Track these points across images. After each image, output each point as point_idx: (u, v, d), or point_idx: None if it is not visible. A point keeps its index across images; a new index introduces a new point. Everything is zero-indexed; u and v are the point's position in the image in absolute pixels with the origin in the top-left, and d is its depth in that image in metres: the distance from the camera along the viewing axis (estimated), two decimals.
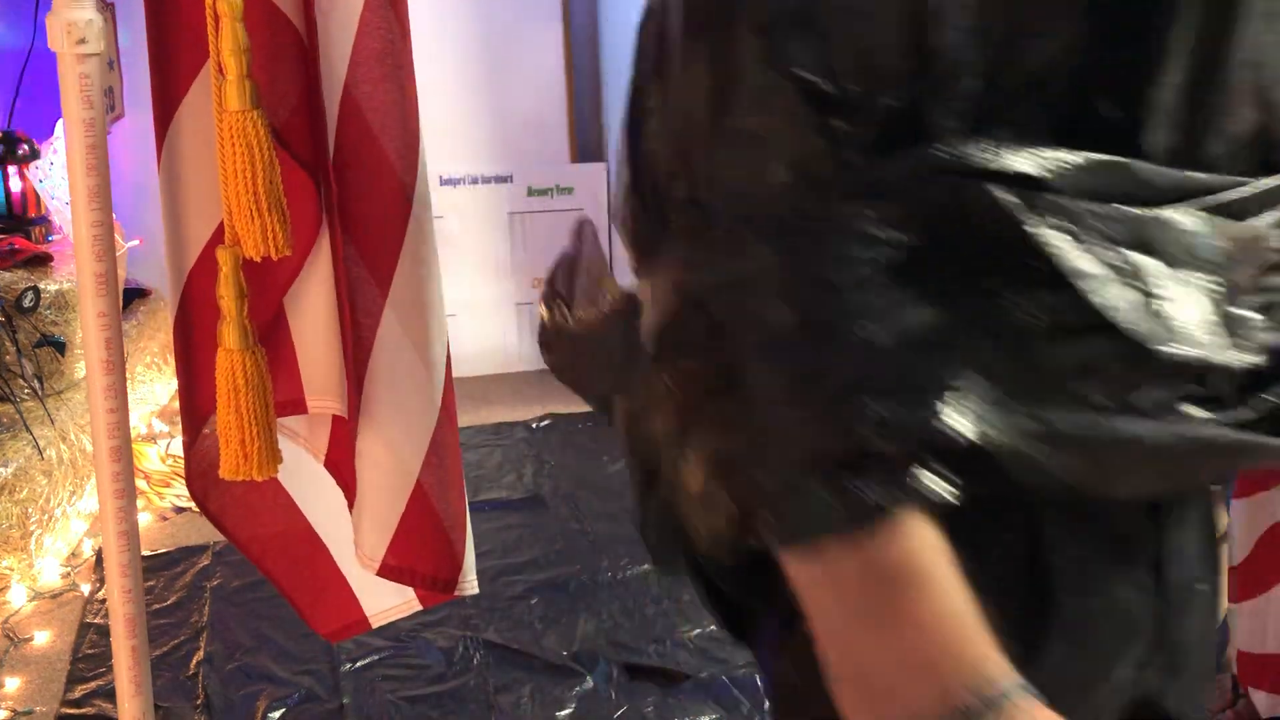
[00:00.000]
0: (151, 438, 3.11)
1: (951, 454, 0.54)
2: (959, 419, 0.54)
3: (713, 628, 2.25)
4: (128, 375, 1.33)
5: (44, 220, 2.93)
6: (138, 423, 3.11)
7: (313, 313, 1.35)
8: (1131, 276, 0.56)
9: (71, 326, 2.70)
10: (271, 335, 1.32)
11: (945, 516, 0.56)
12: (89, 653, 2.26)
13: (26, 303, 2.64)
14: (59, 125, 2.80)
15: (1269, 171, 0.61)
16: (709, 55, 0.60)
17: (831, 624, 0.58)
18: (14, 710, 2.11)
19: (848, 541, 0.56)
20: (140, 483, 2.84)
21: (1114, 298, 0.56)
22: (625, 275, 0.78)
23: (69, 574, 2.52)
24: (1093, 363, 0.57)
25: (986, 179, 0.56)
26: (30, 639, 2.31)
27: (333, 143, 1.27)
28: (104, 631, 2.27)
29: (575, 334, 0.86)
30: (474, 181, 3.62)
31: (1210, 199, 0.59)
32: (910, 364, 0.55)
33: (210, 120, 1.20)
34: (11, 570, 2.45)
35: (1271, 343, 0.60)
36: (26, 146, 2.89)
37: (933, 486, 0.54)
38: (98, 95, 1.20)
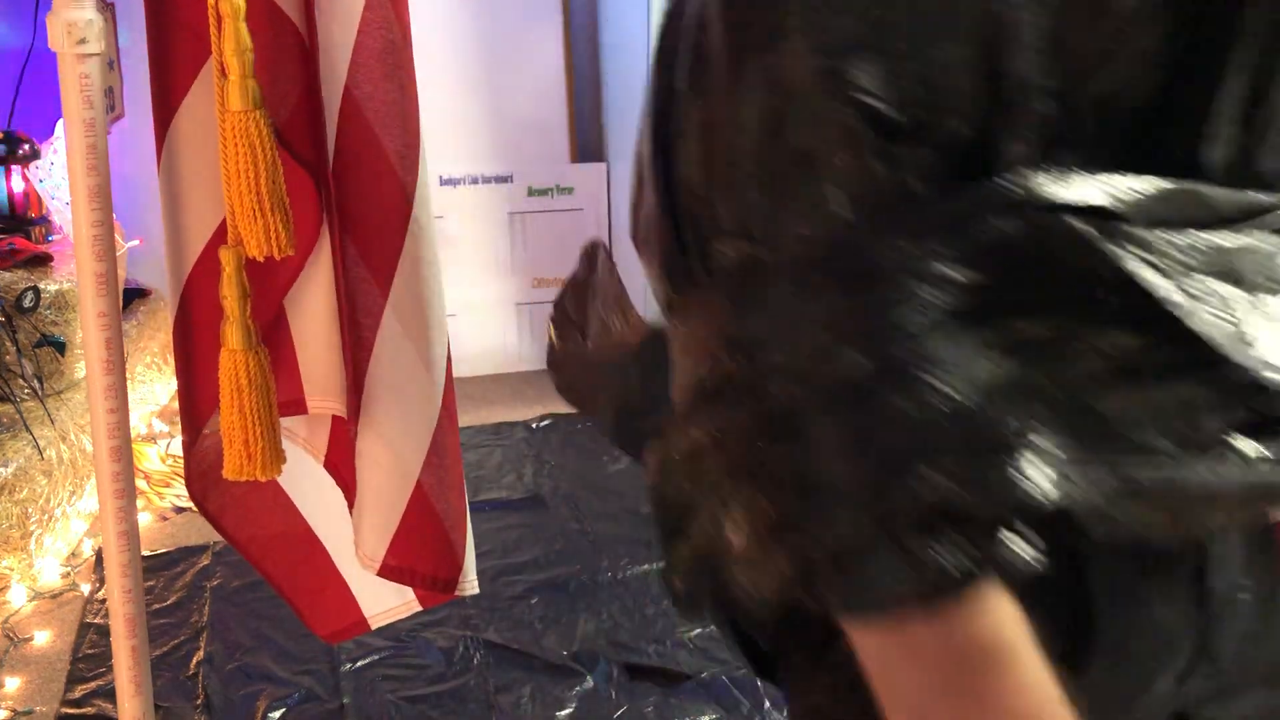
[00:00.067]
0: (151, 438, 3.11)
1: (1033, 515, 0.51)
2: (1042, 478, 0.51)
3: (713, 628, 2.25)
4: (128, 375, 1.33)
5: (44, 220, 2.93)
6: (138, 423, 3.11)
7: (313, 313, 1.35)
8: (1219, 306, 0.53)
9: (71, 326, 2.70)
10: (271, 336, 1.32)
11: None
12: (89, 653, 2.26)
13: (26, 303, 2.64)
14: (59, 125, 2.80)
15: None
16: (760, 77, 0.56)
17: (906, 698, 0.54)
18: (14, 710, 2.11)
19: (927, 612, 0.52)
20: (140, 483, 2.84)
21: (1208, 329, 0.52)
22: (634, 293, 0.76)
23: (69, 574, 2.52)
24: (1167, 405, 0.53)
25: (1062, 211, 0.52)
26: (30, 639, 2.31)
27: (333, 143, 1.27)
28: (104, 631, 2.27)
29: (588, 360, 0.82)
30: (474, 181, 3.62)
31: (1270, 218, 0.56)
32: (988, 417, 0.51)
33: (210, 120, 1.20)
34: (11, 570, 2.45)
35: None
36: (27, 146, 2.89)
37: (1019, 552, 0.51)
38: (98, 95, 1.20)
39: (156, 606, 2.41)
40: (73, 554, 2.59)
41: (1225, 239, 0.54)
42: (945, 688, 0.53)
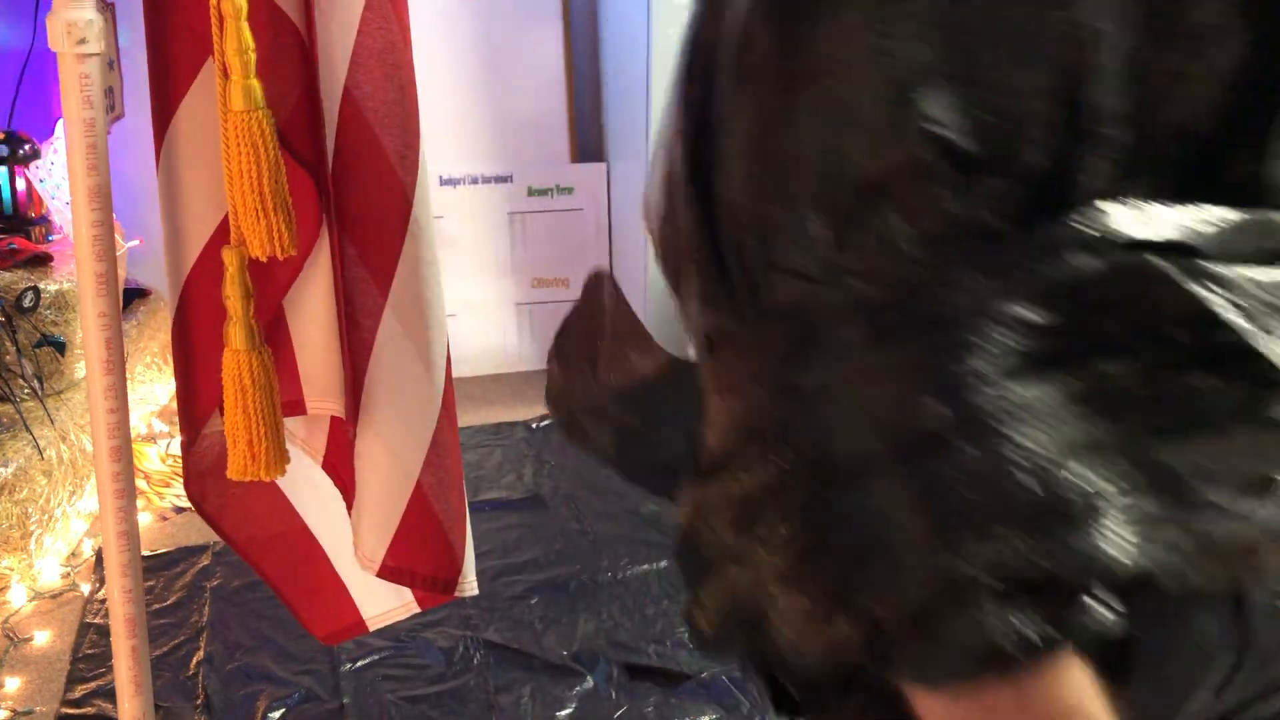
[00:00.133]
0: (151, 438, 3.11)
1: (1114, 581, 0.48)
2: (1123, 543, 0.48)
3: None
4: (128, 375, 1.33)
5: (44, 220, 2.93)
6: (138, 423, 3.11)
7: (312, 313, 1.35)
8: None
9: (71, 326, 2.70)
10: (271, 336, 1.32)
11: None
12: (89, 653, 2.26)
13: (26, 303, 2.64)
14: (59, 125, 2.80)
15: None
16: (820, 102, 0.52)
17: None
18: (14, 710, 2.11)
19: (1004, 681, 0.49)
20: (140, 483, 2.84)
21: None
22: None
23: (69, 574, 2.52)
24: (1238, 451, 0.51)
25: (1142, 249, 0.50)
26: (30, 639, 2.31)
27: (332, 143, 1.27)
28: (104, 631, 2.27)
29: (596, 394, 0.79)
30: (474, 181, 3.62)
31: None
32: (1070, 478, 0.48)
33: (209, 120, 1.20)
34: (11, 570, 2.45)
35: None
36: (27, 146, 2.89)
37: (1100, 619, 0.48)
38: (98, 95, 1.20)
39: (156, 606, 2.41)
40: (73, 554, 2.59)
41: None
42: None
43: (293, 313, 1.35)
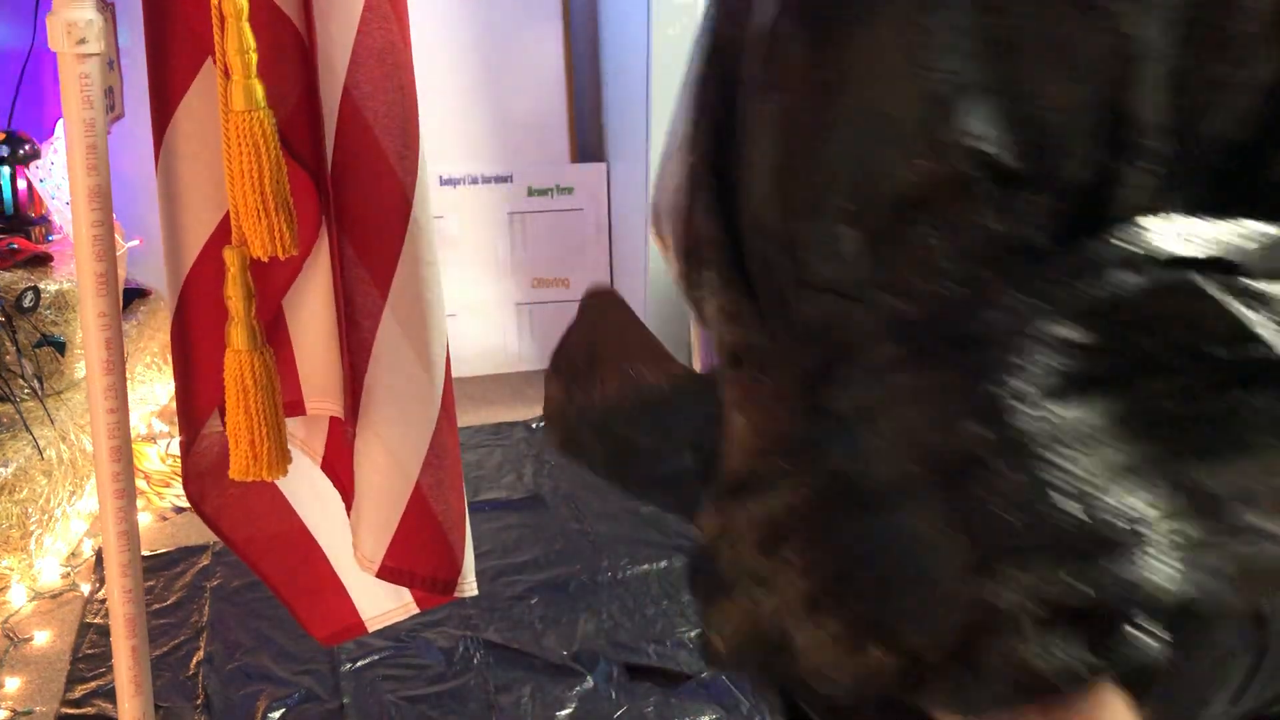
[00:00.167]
0: (151, 438, 3.11)
1: (1157, 609, 0.48)
2: (1166, 570, 0.47)
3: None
4: (128, 375, 1.33)
5: (44, 220, 2.93)
6: (138, 423, 3.11)
7: (311, 314, 1.35)
8: None
9: (71, 326, 2.70)
10: (270, 337, 1.32)
11: None
12: (89, 653, 2.26)
13: (26, 303, 2.64)
14: (59, 125, 2.80)
15: None
16: (856, 115, 0.51)
17: None
18: (14, 710, 2.11)
19: (1044, 711, 0.49)
20: (140, 483, 2.84)
21: None
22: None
23: (69, 574, 2.52)
24: (1273, 470, 0.50)
25: (1185, 266, 0.49)
26: (30, 639, 2.31)
27: (331, 143, 1.27)
28: (104, 631, 2.27)
29: (598, 414, 0.77)
30: (474, 181, 3.62)
31: None
32: (1113, 504, 0.47)
33: (209, 120, 1.20)
34: (11, 570, 2.45)
35: None
36: (28, 146, 2.89)
37: (1145, 648, 0.47)
38: (98, 95, 1.20)
39: (156, 606, 2.41)
40: (73, 554, 2.59)
41: None
42: None
43: (292, 313, 1.35)
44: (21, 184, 2.88)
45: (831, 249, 0.52)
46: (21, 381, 2.60)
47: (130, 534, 1.31)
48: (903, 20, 0.51)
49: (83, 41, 1.18)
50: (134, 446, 2.45)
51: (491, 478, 2.99)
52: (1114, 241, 0.50)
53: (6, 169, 2.85)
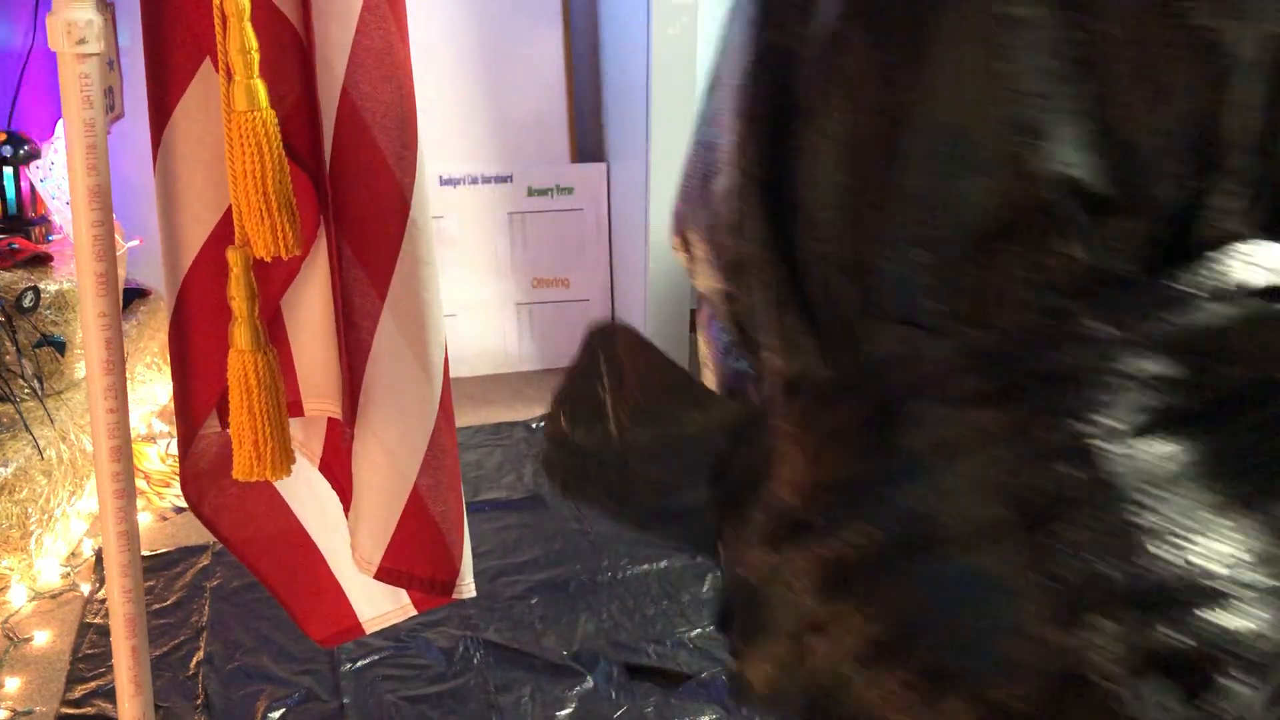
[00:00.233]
0: (151, 438, 3.11)
1: (1250, 659, 0.46)
2: (1260, 617, 0.45)
3: (713, 627, 2.25)
4: (128, 375, 1.33)
5: (44, 220, 2.93)
6: (138, 423, 3.11)
7: (309, 314, 1.35)
8: None
9: (71, 326, 2.70)
10: (269, 337, 1.32)
11: None
12: (89, 653, 2.26)
13: (26, 303, 2.64)
14: (59, 125, 2.80)
15: None
16: (934, 138, 0.48)
17: None
18: (14, 710, 2.11)
19: None
20: (140, 483, 2.84)
21: None
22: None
23: (69, 574, 2.52)
24: None
25: (1273, 296, 0.47)
26: (30, 639, 2.31)
27: (330, 144, 1.27)
28: (104, 631, 2.27)
29: (611, 453, 0.73)
30: (474, 181, 3.62)
31: None
32: (1204, 552, 0.45)
33: (207, 120, 1.20)
34: (11, 570, 2.45)
35: None
36: (28, 146, 2.89)
37: (1242, 699, 0.45)
38: (98, 95, 1.20)
39: (156, 606, 2.41)
40: (73, 554, 2.59)
41: None
42: None
43: (290, 314, 1.35)
44: (22, 184, 2.88)
45: (905, 278, 0.50)
46: (21, 381, 2.60)
47: (130, 534, 1.31)
48: (985, 34, 0.48)
49: (83, 41, 1.18)
50: (134, 446, 2.45)
51: (491, 478, 2.99)
52: (1203, 272, 0.48)
53: (7, 169, 2.85)
